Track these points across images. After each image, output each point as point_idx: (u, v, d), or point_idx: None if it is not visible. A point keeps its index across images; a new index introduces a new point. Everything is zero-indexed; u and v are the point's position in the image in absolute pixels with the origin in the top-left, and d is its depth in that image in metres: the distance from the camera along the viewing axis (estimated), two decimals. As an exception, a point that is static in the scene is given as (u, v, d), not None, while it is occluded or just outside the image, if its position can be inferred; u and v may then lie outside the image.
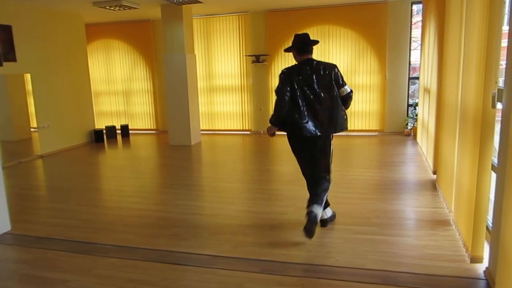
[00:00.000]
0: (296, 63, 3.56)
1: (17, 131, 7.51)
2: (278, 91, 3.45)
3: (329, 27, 8.09)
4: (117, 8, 7.01)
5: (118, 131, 9.17)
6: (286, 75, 3.50)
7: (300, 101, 3.40)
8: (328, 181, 3.55)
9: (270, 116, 3.50)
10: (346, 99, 3.50)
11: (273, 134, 3.56)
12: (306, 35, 3.59)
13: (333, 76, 3.42)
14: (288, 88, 3.43)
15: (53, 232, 3.76)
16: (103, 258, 3.19)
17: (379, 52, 7.99)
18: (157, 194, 4.97)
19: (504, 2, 2.60)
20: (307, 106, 3.40)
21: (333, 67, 3.49)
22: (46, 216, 4.31)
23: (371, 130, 8.33)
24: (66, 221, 4.04)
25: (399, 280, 2.68)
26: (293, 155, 3.64)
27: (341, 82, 3.46)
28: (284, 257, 3.08)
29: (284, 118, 3.44)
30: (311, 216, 3.29)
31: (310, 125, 3.36)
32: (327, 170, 3.55)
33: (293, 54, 3.59)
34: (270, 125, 3.52)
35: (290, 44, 3.59)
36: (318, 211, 3.35)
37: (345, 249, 3.17)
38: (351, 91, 3.52)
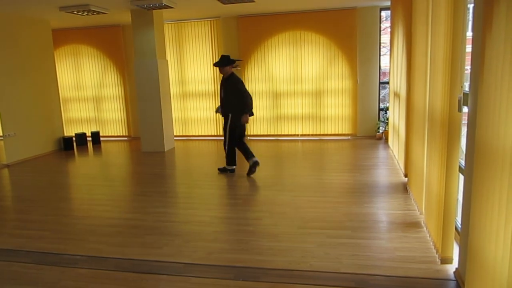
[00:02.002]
0: (230, 73, 5.57)
1: (-19, 139, 7.23)
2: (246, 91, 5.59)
3: (301, 33, 8.17)
4: (85, 13, 6.86)
5: (89, 138, 8.96)
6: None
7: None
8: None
9: (248, 109, 5.62)
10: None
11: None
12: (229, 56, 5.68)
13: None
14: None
15: (19, 244, 3.62)
16: (72, 269, 3.09)
17: (350, 57, 8.12)
18: (129, 202, 4.86)
19: (468, 9, 2.68)
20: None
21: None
22: (12, 227, 4.15)
23: (344, 134, 8.45)
24: (32, 232, 3.90)
25: (372, 283, 2.71)
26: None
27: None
28: (258, 263, 3.06)
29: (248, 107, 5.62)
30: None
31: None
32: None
33: (228, 68, 5.51)
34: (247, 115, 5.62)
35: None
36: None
37: (319, 253, 3.18)
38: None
